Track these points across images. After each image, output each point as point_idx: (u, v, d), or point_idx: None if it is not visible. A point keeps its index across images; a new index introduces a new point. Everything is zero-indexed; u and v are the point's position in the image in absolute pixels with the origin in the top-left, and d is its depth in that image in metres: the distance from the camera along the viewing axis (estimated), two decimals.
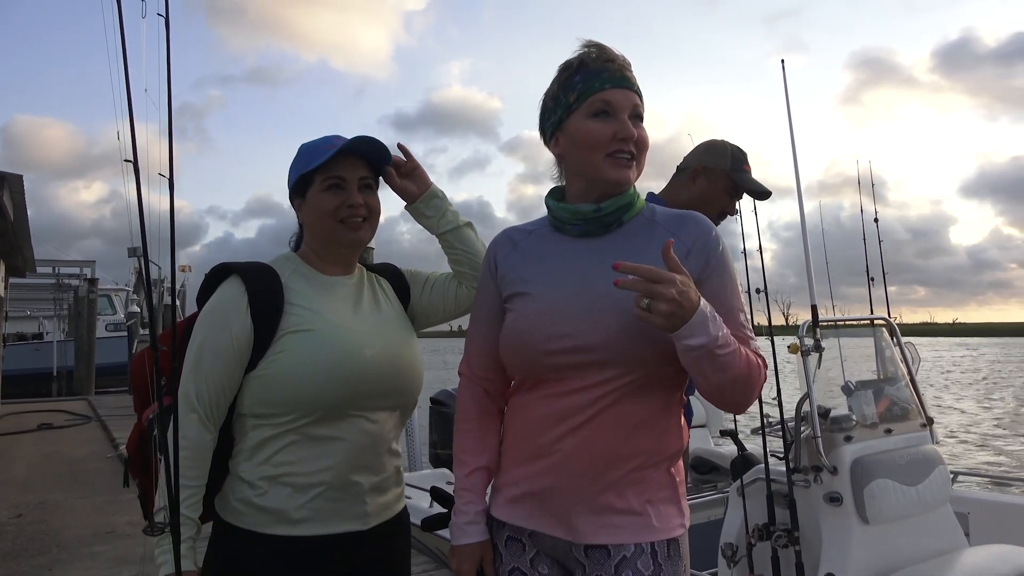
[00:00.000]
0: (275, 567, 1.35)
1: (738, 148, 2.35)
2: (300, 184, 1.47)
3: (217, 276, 1.44)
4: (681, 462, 1.34)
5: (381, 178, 1.56)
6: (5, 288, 13.23)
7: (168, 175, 1.28)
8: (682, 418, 1.35)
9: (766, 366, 1.28)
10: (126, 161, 1.24)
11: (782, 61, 2.89)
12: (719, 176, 2.31)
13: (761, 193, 2.35)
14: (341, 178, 1.44)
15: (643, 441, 1.26)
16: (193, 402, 1.35)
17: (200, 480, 1.35)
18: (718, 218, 2.37)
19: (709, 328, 1.12)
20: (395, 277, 1.63)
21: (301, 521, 1.36)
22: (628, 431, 1.25)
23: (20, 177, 7.24)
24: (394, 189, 1.59)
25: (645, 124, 1.32)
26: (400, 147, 1.59)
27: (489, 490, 1.41)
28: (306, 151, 1.48)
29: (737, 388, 1.21)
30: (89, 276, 18.92)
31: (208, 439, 1.36)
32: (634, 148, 1.29)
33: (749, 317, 1.33)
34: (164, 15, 1.29)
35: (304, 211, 1.49)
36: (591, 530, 1.25)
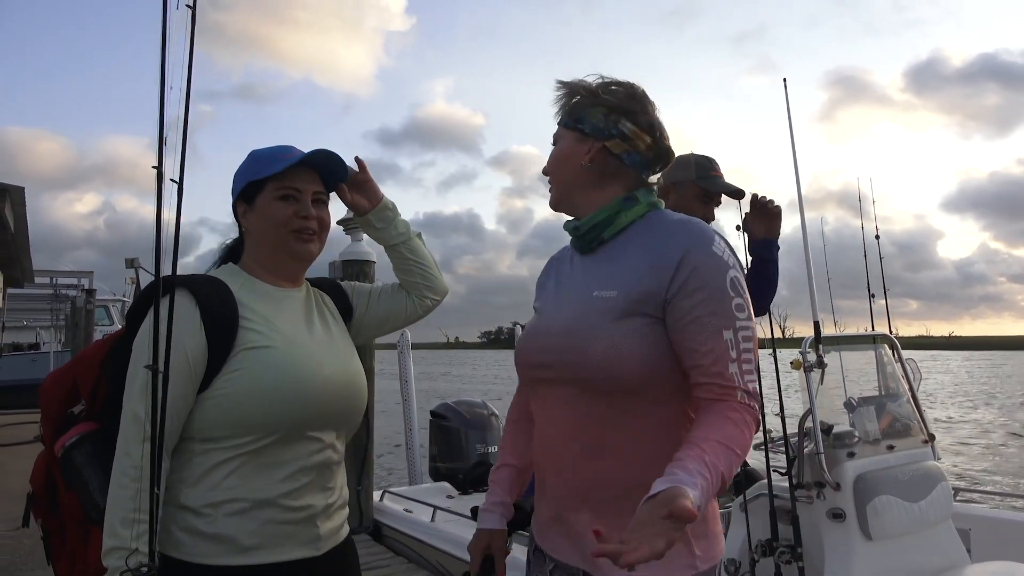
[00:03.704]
0: None
1: (703, 156, 2.41)
2: (249, 190, 1.41)
3: (163, 289, 1.28)
4: None
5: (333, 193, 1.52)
6: (3, 299, 13.21)
7: (179, 179, 1.19)
8: None
9: (754, 418, 1.15)
10: (153, 167, 1.16)
11: (784, 80, 2.93)
12: (687, 187, 2.37)
13: (733, 192, 2.40)
14: (296, 189, 1.40)
15: (634, 467, 1.19)
16: (146, 429, 1.19)
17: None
18: None
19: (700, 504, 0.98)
20: (336, 293, 1.58)
21: (252, 548, 1.27)
22: (616, 457, 1.20)
23: (22, 189, 7.25)
24: (345, 203, 1.56)
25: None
26: (356, 160, 1.56)
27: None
28: (259, 157, 1.42)
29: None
30: (87, 287, 18.90)
31: (164, 467, 1.24)
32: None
33: (747, 352, 1.16)
34: (191, 6, 1.19)
35: (251, 218, 1.42)
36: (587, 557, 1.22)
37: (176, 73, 1.18)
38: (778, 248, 2.37)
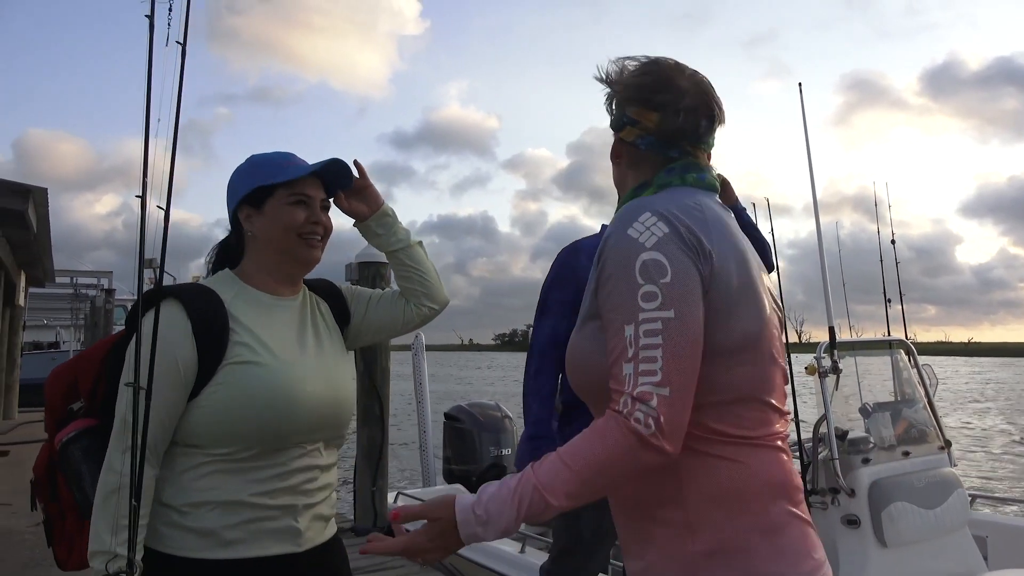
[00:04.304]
0: None
1: None
2: (258, 194, 1.42)
3: (152, 301, 1.32)
4: (697, 524, 1.02)
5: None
6: (25, 298, 13.41)
7: (165, 208, 1.26)
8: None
9: (627, 429, 0.93)
10: (136, 196, 1.24)
11: (799, 84, 2.93)
12: None
13: None
14: (307, 195, 1.43)
15: (625, 487, 1.08)
16: (131, 439, 1.22)
17: (143, 520, 1.26)
18: None
19: (495, 523, 0.95)
20: (334, 298, 1.57)
21: (233, 543, 1.30)
22: None
23: (44, 190, 7.36)
24: (342, 210, 1.55)
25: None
26: (355, 163, 1.56)
27: None
28: (263, 163, 1.45)
29: (598, 485, 0.96)
30: (106, 286, 19.10)
31: (151, 474, 1.28)
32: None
33: (648, 348, 0.97)
34: (181, 43, 1.26)
35: (258, 222, 1.43)
36: None
37: (171, 102, 1.25)
38: (744, 209, 2.37)
